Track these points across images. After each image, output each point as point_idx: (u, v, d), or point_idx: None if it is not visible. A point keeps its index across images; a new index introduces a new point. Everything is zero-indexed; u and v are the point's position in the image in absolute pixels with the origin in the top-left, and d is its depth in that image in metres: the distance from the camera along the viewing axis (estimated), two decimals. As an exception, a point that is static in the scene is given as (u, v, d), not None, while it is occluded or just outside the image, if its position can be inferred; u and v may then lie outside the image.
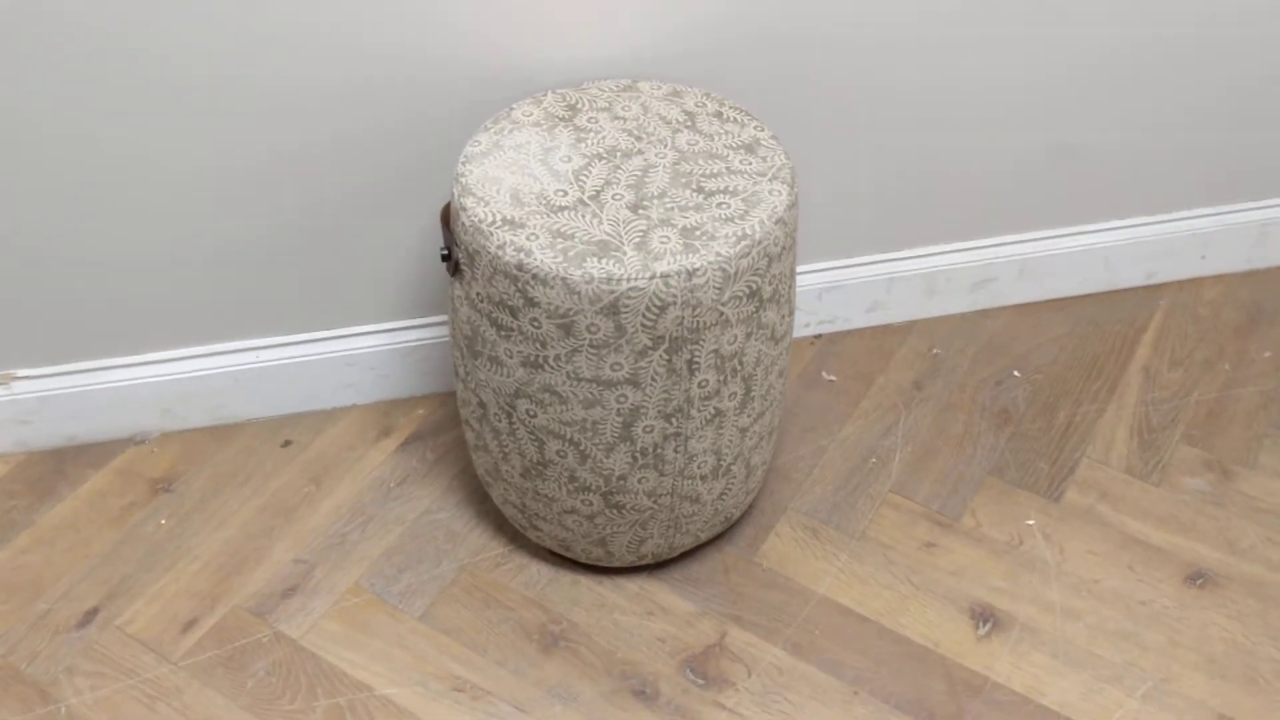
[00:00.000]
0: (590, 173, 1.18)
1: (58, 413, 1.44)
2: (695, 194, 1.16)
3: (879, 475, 1.48)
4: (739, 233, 1.12)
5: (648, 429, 1.18)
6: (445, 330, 1.50)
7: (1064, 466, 1.50)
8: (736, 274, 1.11)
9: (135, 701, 1.24)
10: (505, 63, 1.31)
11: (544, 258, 1.09)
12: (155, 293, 1.38)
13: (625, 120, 1.24)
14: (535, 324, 1.12)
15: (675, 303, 1.10)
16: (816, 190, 1.50)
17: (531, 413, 1.20)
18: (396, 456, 1.49)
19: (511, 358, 1.17)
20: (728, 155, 1.20)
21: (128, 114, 1.25)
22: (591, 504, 1.25)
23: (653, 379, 1.14)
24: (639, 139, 1.22)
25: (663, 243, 1.11)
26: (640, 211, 1.14)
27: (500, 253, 1.11)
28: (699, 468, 1.24)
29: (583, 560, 1.35)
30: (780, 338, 1.22)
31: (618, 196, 1.15)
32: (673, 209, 1.14)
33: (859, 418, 1.55)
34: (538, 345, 1.14)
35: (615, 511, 1.26)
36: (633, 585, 1.36)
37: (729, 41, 1.35)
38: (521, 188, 1.16)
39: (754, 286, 1.14)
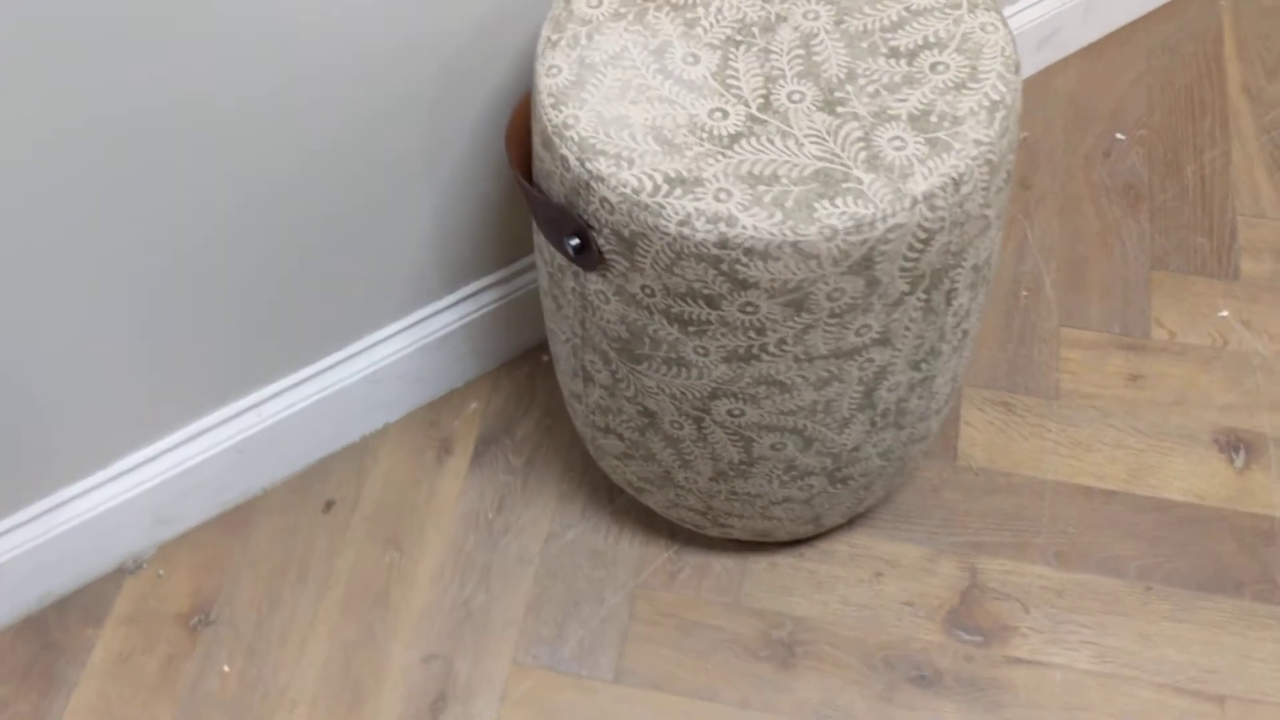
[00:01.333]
0: (737, 69, 0.82)
1: (17, 576, 1.03)
2: (894, 60, 0.82)
3: (1039, 310, 1.23)
4: (985, 101, 0.80)
5: (893, 387, 0.89)
6: (477, 304, 1.14)
7: (1223, 235, 1.28)
8: (1001, 160, 0.81)
9: None
10: None
11: (756, 221, 0.76)
12: (105, 384, 0.97)
13: (731, -23, 0.88)
14: (749, 309, 0.80)
15: (943, 227, 0.79)
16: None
17: (737, 411, 0.88)
18: (476, 474, 1.15)
19: (707, 355, 0.84)
20: (894, -9, 0.87)
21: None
22: (812, 487, 0.97)
23: (907, 328, 0.85)
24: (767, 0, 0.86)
25: (898, 148, 0.78)
26: (840, 109, 0.80)
27: (687, 230, 0.76)
28: (938, 404, 0.96)
29: (783, 540, 1.08)
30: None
31: (797, 96, 0.81)
32: (880, 91, 0.81)
33: (981, 245, 1.28)
34: (751, 334, 0.82)
35: (840, 486, 0.98)
36: (841, 548, 1.10)
37: None
38: (660, 120, 0.80)
39: (1011, 165, 0.83)
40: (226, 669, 1.05)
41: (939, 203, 0.77)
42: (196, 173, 0.89)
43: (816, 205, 0.76)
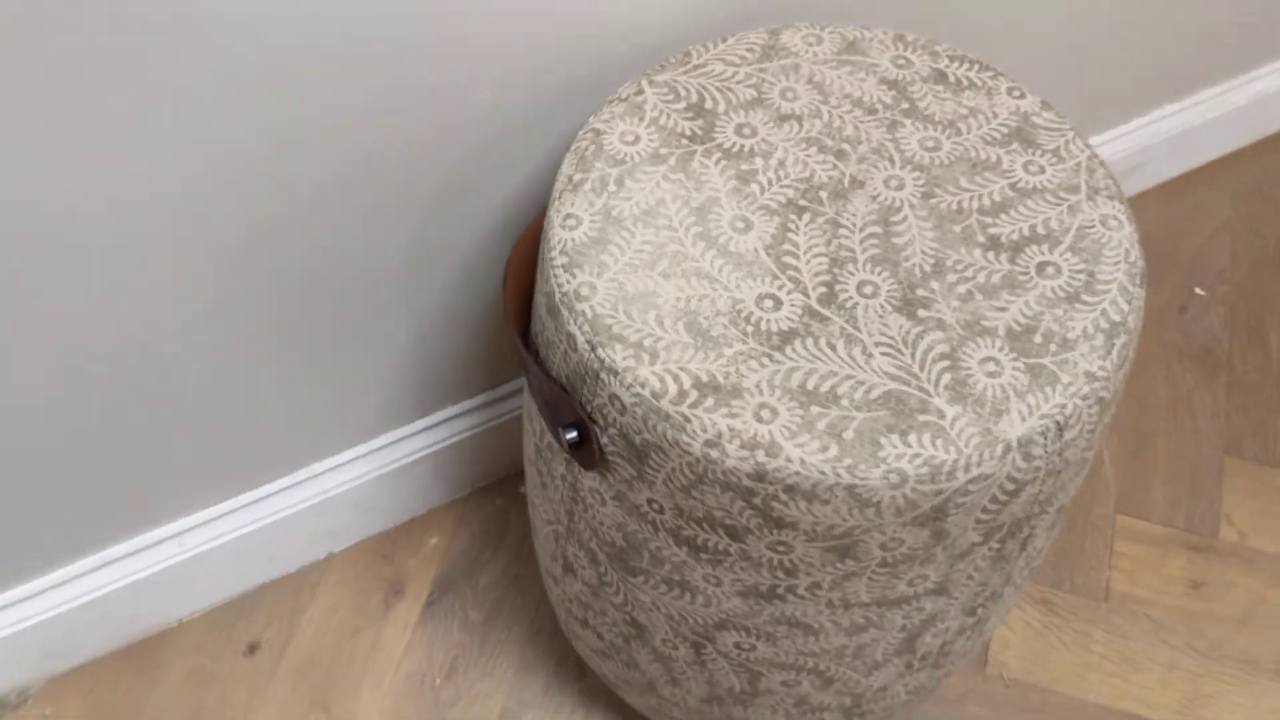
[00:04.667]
0: (797, 244, 0.67)
1: None
2: (993, 253, 0.67)
3: (1095, 489, 1.08)
4: (1103, 323, 0.65)
5: (940, 633, 0.74)
6: (452, 430, 0.98)
7: (1309, 421, 1.13)
8: (1115, 396, 0.65)
9: None
10: (548, 33, 0.75)
11: (805, 453, 0.60)
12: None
13: (800, 120, 0.72)
14: (780, 548, 0.64)
15: (1037, 478, 0.63)
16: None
17: (747, 646, 0.73)
18: (428, 626, 0.99)
19: (719, 585, 0.68)
20: (998, 158, 0.71)
21: None
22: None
23: (970, 577, 0.69)
24: (839, 154, 0.70)
25: (992, 373, 0.63)
26: (922, 313, 0.65)
27: (715, 454, 0.61)
28: (986, 637, 0.81)
29: (779, 756, 0.92)
30: (1089, 424, 0.77)
31: (869, 288, 0.65)
32: (973, 294, 0.65)
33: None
34: (779, 573, 0.66)
35: (856, 718, 0.82)
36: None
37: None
38: (696, 303, 0.64)
39: (1120, 395, 0.68)
40: (108, 845, 0.89)
41: (1036, 451, 0.61)
42: (130, 271, 0.73)
43: (883, 441, 0.60)
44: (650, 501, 0.65)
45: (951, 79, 0.74)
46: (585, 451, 0.66)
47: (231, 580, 0.96)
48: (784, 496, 0.60)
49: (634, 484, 0.65)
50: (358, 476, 0.96)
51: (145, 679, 0.95)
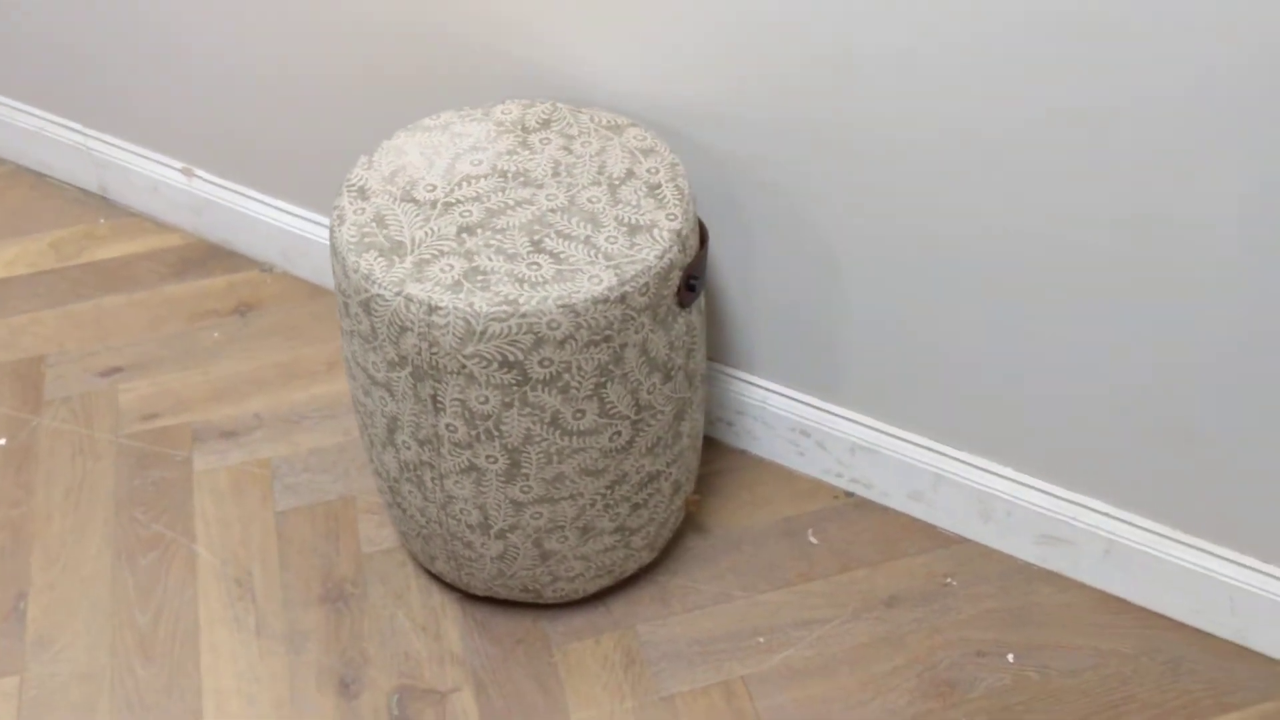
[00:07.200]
0: (476, 184, 1.14)
1: (216, 217, 1.71)
2: (526, 244, 1.07)
3: (749, 658, 1.27)
4: (509, 296, 1.03)
5: (405, 444, 1.15)
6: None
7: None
8: (482, 334, 1.03)
9: (71, 447, 1.49)
10: (541, 59, 1.28)
11: (344, 234, 1.10)
12: (305, 147, 1.57)
13: (570, 154, 1.17)
14: (337, 291, 1.14)
15: (413, 330, 1.05)
16: (854, 323, 1.28)
17: (365, 391, 1.21)
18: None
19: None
20: (607, 226, 1.09)
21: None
22: (385, 490, 1.25)
23: (403, 396, 1.11)
24: (555, 175, 1.14)
25: (443, 271, 1.05)
26: (464, 236, 1.08)
27: (330, 214, 1.13)
28: (462, 513, 1.17)
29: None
30: (578, 433, 1.10)
31: (465, 214, 1.11)
32: (490, 248, 1.07)
33: (798, 594, 1.33)
34: (341, 312, 1.15)
35: (400, 510, 1.24)
36: (437, 599, 1.33)
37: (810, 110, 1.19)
38: (409, 169, 1.15)
39: (510, 358, 1.04)
40: (216, 335, 1.62)
41: (414, 310, 1.03)
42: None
43: (369, 253, 1.07)
44: (339, 247, 1.19)
45: (659, 190, 1.13)
46: (345, 211, 1.21)
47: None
48: (332, 253, 1.10)
49: (342, 235, 1.19)
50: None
51: (303, 301, 1.67)
